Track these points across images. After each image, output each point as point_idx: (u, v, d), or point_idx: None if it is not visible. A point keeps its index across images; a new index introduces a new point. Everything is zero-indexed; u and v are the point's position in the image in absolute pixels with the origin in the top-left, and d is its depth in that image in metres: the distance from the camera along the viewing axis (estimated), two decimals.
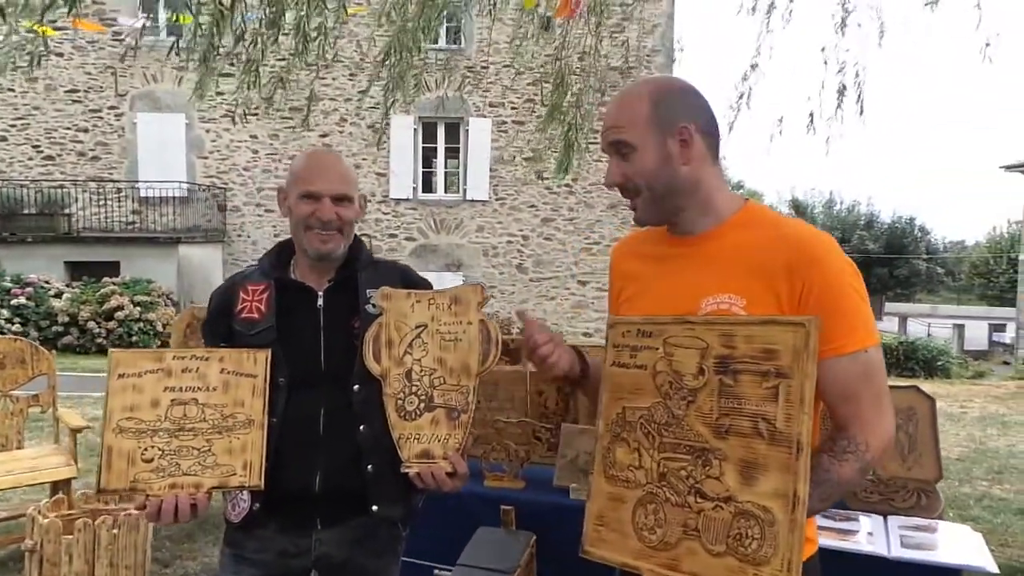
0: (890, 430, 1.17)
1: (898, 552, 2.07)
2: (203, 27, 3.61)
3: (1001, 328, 26.23)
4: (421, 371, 1.47)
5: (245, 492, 1.49)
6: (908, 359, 14.35)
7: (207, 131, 15.09)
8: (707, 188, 1.28)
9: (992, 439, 6.54)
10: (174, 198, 14.44)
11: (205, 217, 14.77)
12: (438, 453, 1.44)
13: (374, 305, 1.54)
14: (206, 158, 15.14)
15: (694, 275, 1.26)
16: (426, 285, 1.65)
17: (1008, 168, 22.74)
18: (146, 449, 1.37)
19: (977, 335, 25.89)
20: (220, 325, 1.59)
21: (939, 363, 14.33)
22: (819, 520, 1.87)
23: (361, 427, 1.53)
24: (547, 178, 13.38)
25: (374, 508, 1.55)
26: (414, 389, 1.46)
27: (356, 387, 1.53)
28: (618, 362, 1.20)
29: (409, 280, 1.66)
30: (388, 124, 14.55)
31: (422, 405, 1.46)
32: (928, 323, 27.52)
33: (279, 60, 4.66)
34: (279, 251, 1.67)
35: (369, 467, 1.53)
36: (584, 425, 2.67)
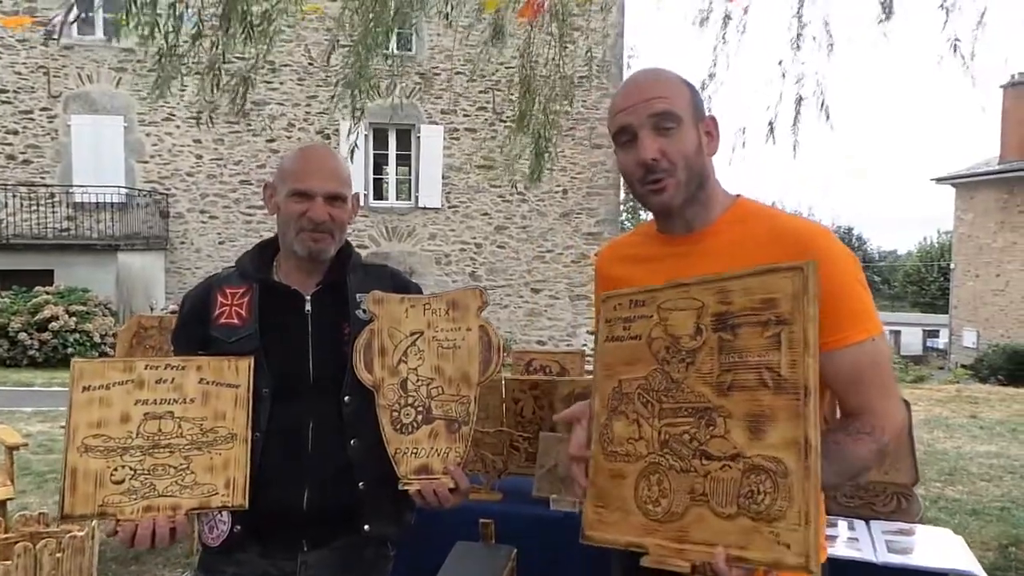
0: (901, 416, 1.17)
1: (885, 557, 2.06)
2: (158, 28, 3.45)
3: (935, 334, 27.39)
4: (418, 381, 1.38)
5: (225, 513, 1.37)
6: None
7: (147, 134, 14.55)
8: (713, 183, 1.27)
9: (940, 441, 6.74)
10: (112, 204, 13.83)
11: (146, 224, 14.21)
12: (438, 468, 1.34)
13: (364, 310, 1.44)
14: (146, 162, 14.58)
15: (690, 273, 1.22)
16: (417, 290, 1.56)
17: (939, 180, 23.86)
18: (116, 469, 1.24)
19: (912, 341, 26.95)
20: (195, 332, 1.46)
21: None
22: None
23: (352, 441, 1.43)
24: (513, 182, 13.28)
25: (366, 527, 1.44)
26: (410, 400, 1.37)
27: (347, 398, 1.43)
28: (612, 336, 1.15)
29: (400, 284, 1.56)
30: (337, 130, 14.35)
31: (419, 417, 1.36)
32: None
33: (226, 64, 4.49)
34: (260, 251, 1.55)
35: (361, 484, 1.43)
36: (563, 434, 2.60)
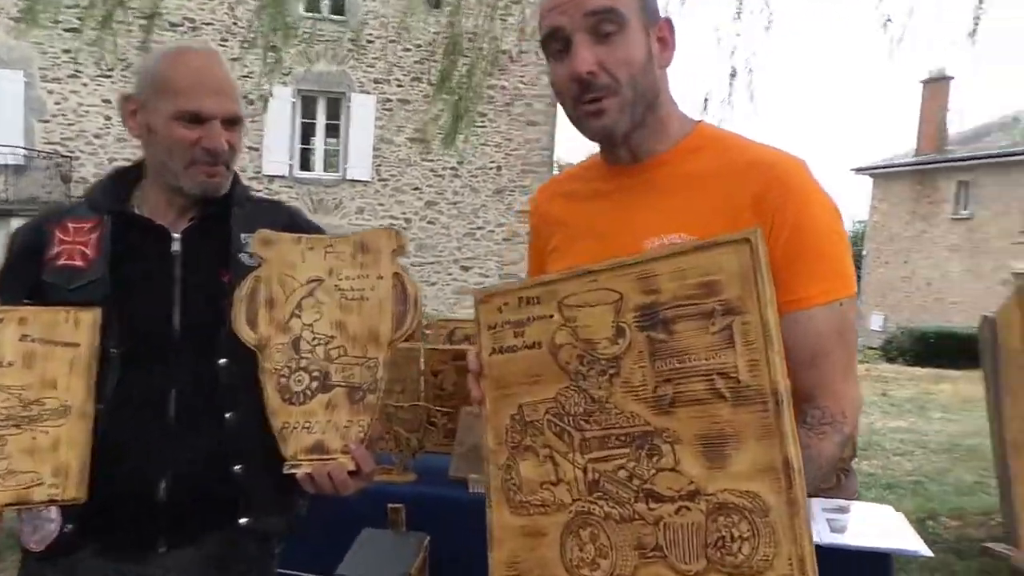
0: (860, 398, 1.00)
1: (829, 538, 1.96)
2: None
3: None
4: (314, 339, 1.12)
5: (53, 509, 1.09)
6: None
7: (50, 92, 13.49)
8: (667, 102, 1.05)
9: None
10: (7, 166, 12.85)
11: (45, 188, 13.23)
12: (335, 446, 1.10)
13: (250, 254, 1.17)
14: (47, 122, 13.54)
15: (638, 211, 1.03)
16: (319, 232, 1.30)
17: (858, 171, 24.81)
18: None
19: None
20: (24, 275, 1.16)
21: None
22: None
23: (228, 414, 1.18)
24: (432, 152, 13.03)
25: (243, 521, 1.19)
26: (303, 363, 1.11)
27: (222, 361, 1.17)
28: (500, 347, 0.89)
29: (300, 225, 1.30)
30: (263, 96, 13.68)
31: (314, 384, 1.11)
32: None
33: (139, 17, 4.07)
34: (116, 178, 1.25)
35: (237, 467, 1.18)
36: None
